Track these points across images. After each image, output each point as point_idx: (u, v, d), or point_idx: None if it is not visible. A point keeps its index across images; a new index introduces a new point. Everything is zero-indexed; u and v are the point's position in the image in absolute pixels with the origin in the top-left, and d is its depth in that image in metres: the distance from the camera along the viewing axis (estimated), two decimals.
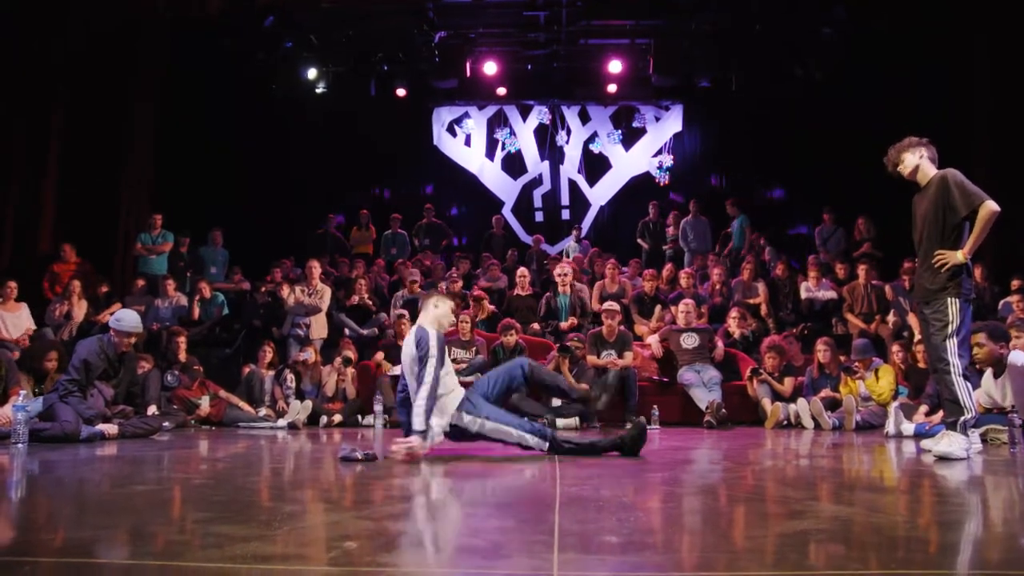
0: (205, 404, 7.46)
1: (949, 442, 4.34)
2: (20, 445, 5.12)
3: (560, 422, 7.13)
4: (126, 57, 10.90)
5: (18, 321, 8.28)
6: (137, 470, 4.13)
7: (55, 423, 5.55)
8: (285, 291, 9.32)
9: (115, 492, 3.33)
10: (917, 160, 4.63)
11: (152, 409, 6.83)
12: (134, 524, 2.58)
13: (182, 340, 7.92)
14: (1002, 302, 8.45)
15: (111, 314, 6.80)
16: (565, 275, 9.21)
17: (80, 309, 8.92)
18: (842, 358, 7.63)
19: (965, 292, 4.42)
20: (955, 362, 4.36)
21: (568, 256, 12.13)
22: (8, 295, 8.34)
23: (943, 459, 4.27)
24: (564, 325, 8.81)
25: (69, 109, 10.36)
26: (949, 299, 4.40)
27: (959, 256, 4.39)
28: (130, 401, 6.48)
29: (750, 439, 6.06)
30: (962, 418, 4.34)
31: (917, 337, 7.37)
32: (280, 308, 9.28)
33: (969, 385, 4.40)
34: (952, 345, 4.38)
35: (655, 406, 7.40)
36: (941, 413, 5.54)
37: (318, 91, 12.88)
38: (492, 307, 9.23)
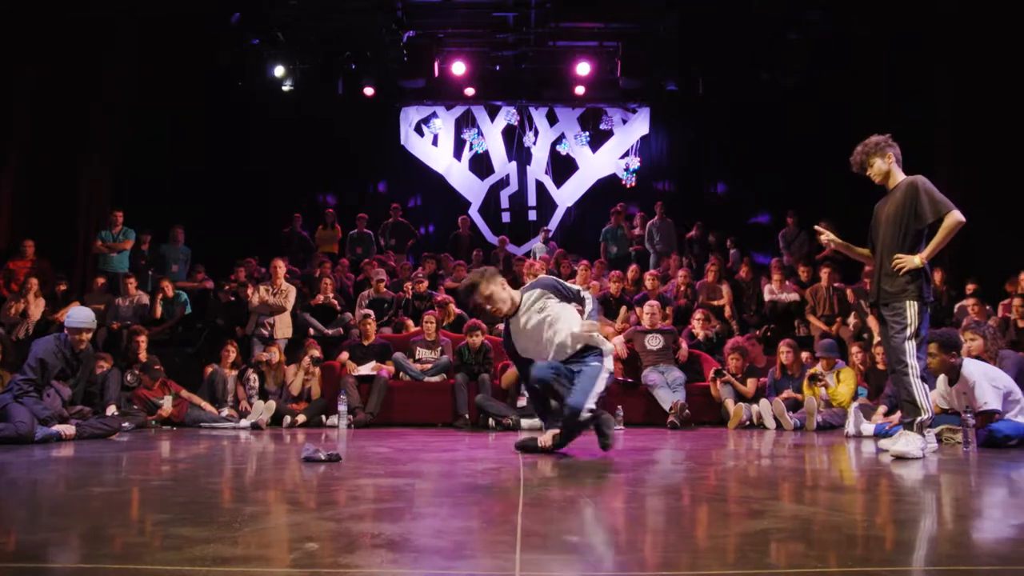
0: (167, 404, 7.34)
1: (906, 442, 4.42)
2: None
3: (525, 423, 7.13)
4: (90, 51, 10.69)
5: None
6: (95, 472, 4.06)
7: (9, 424, 5.42)
8: (249, 290, 9.22)
9: (71, 494, 3.27)
10: (887, 167, 4.69)
11: (111, 409, 6.70)
12: (91, 527, 2.53)
13: (143, 339, 7.78)
14: (958, 305, 8.62)
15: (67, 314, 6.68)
16: (535, 276, 9.21)
17: (37, 307, 8.74)
18: (804, 356, 7.72)
19: (924, 296, 4.51)
20: (913, 364, 4.44)
21: (535, 257, 12.16)
22: None
23: (900, 458, 4.35)
24: None
25: (29, 103, 10.15)
26: (908, 302, 4.48)
27: (916, 261, 4.47)
28: (88, 401, 6.35)
29: (713, 439, 6.11)
30: (919, 418, 4.43)
31: (876, 339, 7.50)
32: (244, 307, 9.17)
33: (926, 386, 4.49)
34: (911, 347, 4.45)
35: (619, 407, 7.42)
36: (899, 413, 5.65)
37: (285, 89, 12.74)
38: (458, 310, 9.21)
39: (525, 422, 7.13)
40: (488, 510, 2.85)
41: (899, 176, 4.69)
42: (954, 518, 2.83)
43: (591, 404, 4.52)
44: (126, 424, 6.57)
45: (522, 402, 7.30)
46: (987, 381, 5.28)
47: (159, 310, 9.36)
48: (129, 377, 7.47)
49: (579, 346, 4.72)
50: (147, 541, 2.30)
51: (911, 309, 4.47)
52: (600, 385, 4.61)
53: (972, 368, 5.37)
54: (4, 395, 5.68)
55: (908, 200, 4.55)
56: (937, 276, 8.80)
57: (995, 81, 10.11)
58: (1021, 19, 9.55)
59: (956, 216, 4.43)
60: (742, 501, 3.08)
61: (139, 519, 2.71)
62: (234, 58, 12.08)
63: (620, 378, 8.04)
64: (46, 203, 10.35)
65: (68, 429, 5.74)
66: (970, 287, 8.64)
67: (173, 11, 10.59)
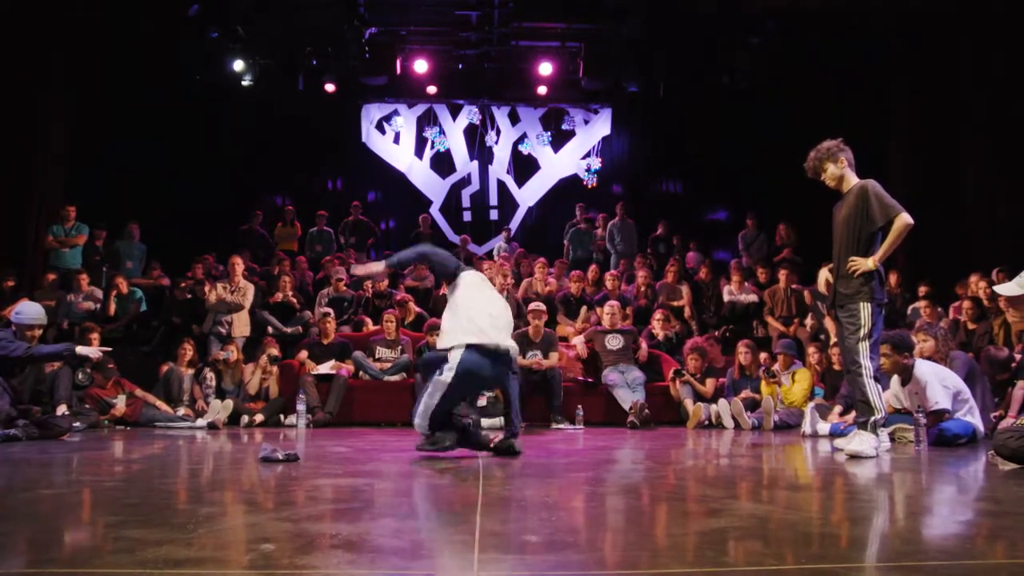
0: (120, 403, 7.19)
1: (860, 441, 4.50)
2: None
3: (485, 422, 7.12)
4: (42, 40, 10.42)
5: None
6: (44, 473, 3.96)
7: None
8: (207, 288, 9.07)
9: (19, 497, 3.18)
10: (840, 171, 4.78)
11: (62, 409, 6.54)
12: (38, 529, 2.47)
13: (95, 337, 7.60)
14: (911, 307, 8.79)
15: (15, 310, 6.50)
16: (505, 276, 9.23)
17: None
18: (763, 357, 7.82)
19: (878, 298, 4.60)
20: (867, 364, 4.53)
21: (495, 256, 12.14)
22: None
23: (854, 457, 4.43)
24: None
25: None
26: (862, 304, 4.57)
27: (870, 263, 4.56)
28: (37, 401, 6.19)
29: (672, 439, 6.16)
30: (872, 418, 4.52)
31: (833, 340, 7.62)
32: (201, 305, 9.02)
33: (879, 387, 4.58)
34: (864, 348, 4.54)
35: (579, 406, 7.46)
36: (854, 413, 5.75)
37: (244, 83, 12.55)
38: (418, 309, 9.17)
39: (485, 421, 7.12)
40: (447, 510, 2.84)
41: (852, 180, 4.79)
42: (906, 515, 2.89)
43: (419, 420, 4.35)
44: (77, 424, 6.42)
45: (482, 401, 7.29)
46: (938, 381, 5.40)
47: (113, 307, 9.17)
48: (81, 376, 7.29)
49: (442, 342, 4.51)
50: (97, 544, 2.25)
51: (865, 311, 4.56)
52: (431, 400, 4.30)
53: (924, 369, 5.48)
54: None
55: (859, 204, 4.65)
56: (892, 279, 8.97)
57: (947, 83, 10.34)
58: (969, 22, 9.81)
59: (905, 219, 4.53)
60: (700, 500, 3.11)
61: (90, 521, 2.65)
62: (193, 51, 11.88)
63: (580, 378, 8.08)
64: None
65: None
66: (922, 289, 8.82)
67: (126, 2, 10.38)
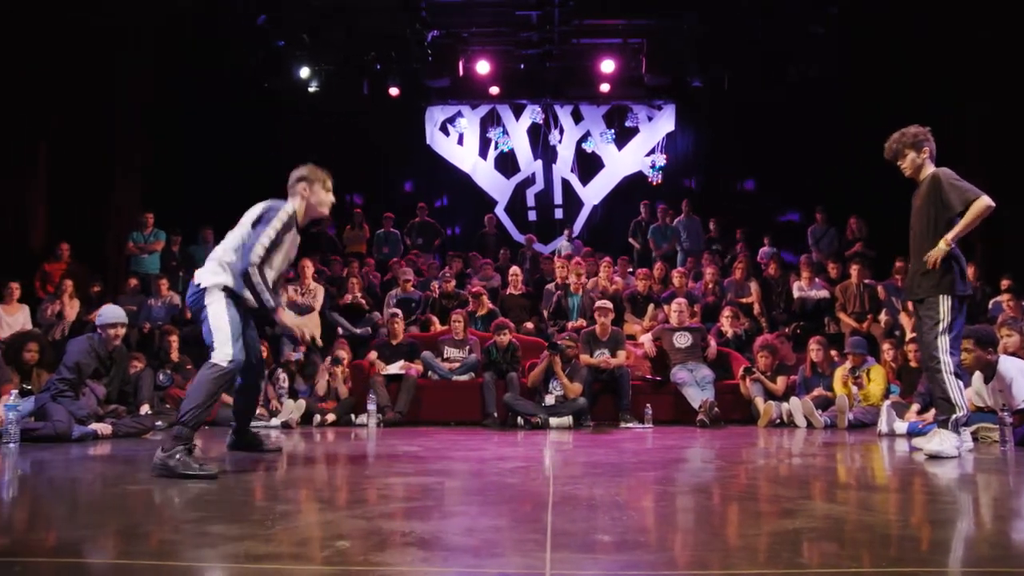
0: None
1: (940, 440, 4.35)
2: (12, 445, 5.09)
3: (553, 421, 7.13)
4: (118, 56, 10.84)
5: (14, 322, 8.24)
6: (130, 470, 4.12)
7: (47, 423, 5.53)
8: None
9: (107, 492, 3.32)
10: (920, 161, 4.63)
11: (145, 408, 6.83)
12: (126, 524, 2.57)
13: (174, 339, 7.88)
14: (992, 301, 8.48)
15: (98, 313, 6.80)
16: (579, 275, 9.21)
17: (72, 308, 8.88)
18: (834, 354, 7.65)
19: (959, 291, 4.44)
20: (946, 360, 4.37)
21: (559, 255, 12.13)
22: (10, 296, 8.35)
23: (934, 457, 4.29)
24: (572, 325, 8.73)
25: (61, 107, 10.30)
26: (941, 297, 4.42)
27: (942, 245, 4.40)
28: (122, 400, 6.46)
29: (743, 438, 6.07)
30: (953, 416, 4.36)
31: (909, 336, 7.40)
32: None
33: (960, 383, 4.41)
34: (943, 343, 4.38)
35: (648, 405, 7.40)
36: (933, 412, 5.57)
37: (311, 90, 12.84)
38: (491, 304, 9.22)
39: (554, 420, 7.13)
40: (517, 509, 2.86)
41: (928, 170, 4.65)
42: (992, 518, 2.79)
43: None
44: (159, 423, 6.67)
45: (550, 400, 7.30)
46: None
47: (190, 310, 9.46)
48: (161, 377, 7.58)
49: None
50: (181, 538, 2.33)
51: (944, 304, 4.41)
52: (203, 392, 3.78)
53: (1008, 365, 5.28)
54: (42, 395, 5.80)
55: (932, 192, 4.51)
56: (970, 272, 8.65)
57: None
58: None
59: (985, 200, 4.36)
60: (773, 500, 3.06)
61: (173, 517, 2.75)
62: (261, 60, 12.19)
63: (649, 376, 8.02)
64: (79, 206, 10.51)
65: (104, 428, 5.84)
66: (1004, 283, 8.50)
67: (199, 13, 10.69)
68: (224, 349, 3.79)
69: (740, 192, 14.36)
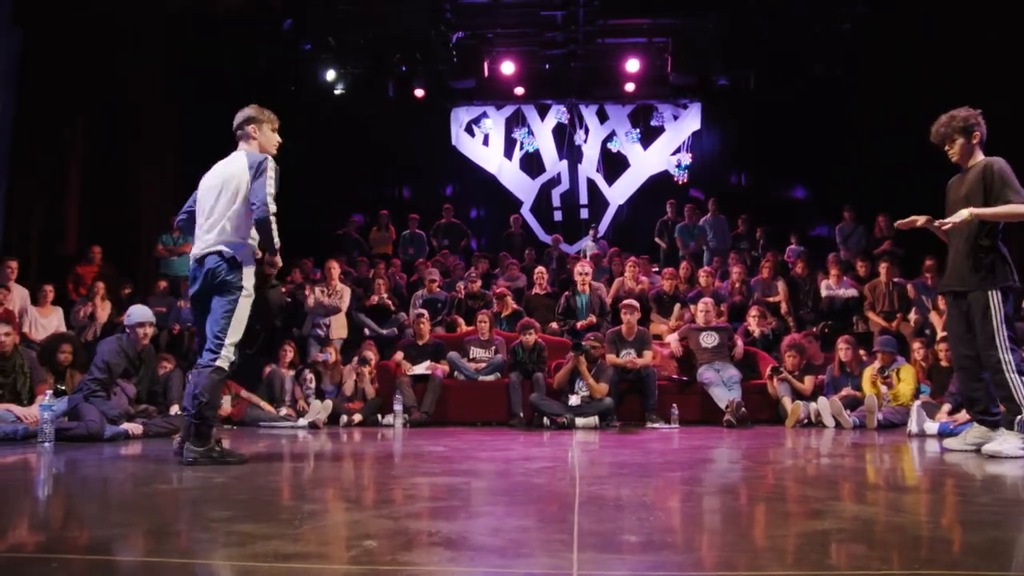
0: (226, 404, 7.50)
1: (1002, 441, 4.23)
2: (47, 444, 5.18)
3: (579, 421, 7.12)
4: (147, 60, 10.98)
5: (48, 324, 8.38)
6: (160, 469, 4.17)
7: (80, 422, 5.63)
8: (306, 291, 9.37)
9: (138, 491, 3.37)
10: (970, 146, 4.48)
11: (175, 409, 6.89)
12: (157, 522, 2.61)
13: None
14: None
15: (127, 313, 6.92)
16: (585, 274, 9.19)
17: (104, 310, 9.01)
18: (862, 354, 7.56)
19: (1008, 282, 4.30)
20: (1007, 358, 4.20)
21: (585, 255, 12.11)
22: (44, 298, 8.49)
23: (993, 457, 4.18)
24: (580, 324, 8.76)
25: (91, 110, 10.45)
26: (990, 292, 4.27)
27: (964, 213, 4.24)
28: (152, 401, 6.56)
29: (770, 438, 6.02)
30: (1019, 417, 4.19)
31: (940, 335, 7.29)
32: (300, 308, 9.32)
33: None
34: (1000, 339, 4.23)
35: (674, 405, 7.38)
36: (964, 412, 5.48)
37: (337, 92, 12.93)
38: (515, 305, 9.23)
39: (580, 420, 7.12)
40: (544, 509, 2.86)
41: (978, 157, 4.48)
42: None
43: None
44: None
45: (575, 400, 7.29)
46: None
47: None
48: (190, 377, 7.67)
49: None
50: (211, 537, 2.36)
51: (994, 298, 4.27)
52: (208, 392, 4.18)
53: None
54: (75, 395, 5.91)
55: (981, 182, 4.35)
56: None
57: None
58: None
59: (1022, 209, 4.21)
60: (801, 501, 3.03)
61: (202, 515, 2.78)
62: (286, 63, 12.28)
63: (675, 376, 7.99)
64: (110, 210, 10.66)
65: (136, 428, 5.93)
66: None
67: (225, 18, 10.80)
68: (229, 350, 4.01)
69: (765, 191, 14.20)
